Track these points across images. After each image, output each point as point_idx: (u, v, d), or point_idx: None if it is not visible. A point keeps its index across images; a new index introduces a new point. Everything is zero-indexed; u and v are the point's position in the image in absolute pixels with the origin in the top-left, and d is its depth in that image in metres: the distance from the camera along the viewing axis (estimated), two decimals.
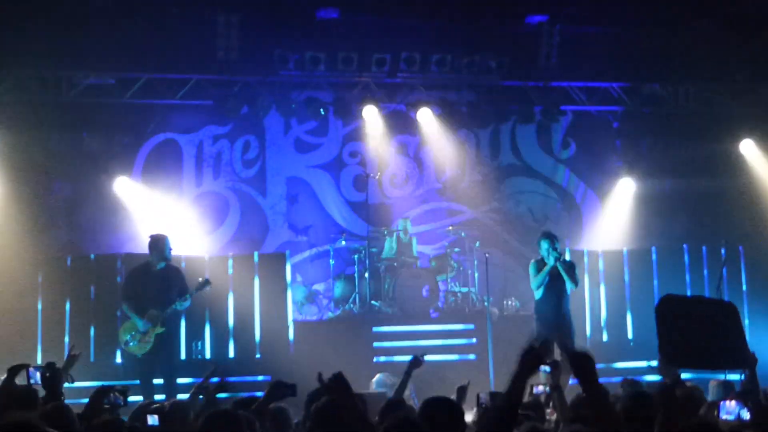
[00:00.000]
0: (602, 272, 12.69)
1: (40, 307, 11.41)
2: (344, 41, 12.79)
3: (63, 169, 13.05)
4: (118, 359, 11.08)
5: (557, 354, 9.89)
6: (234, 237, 13.66)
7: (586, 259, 12.53)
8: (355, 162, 14.09)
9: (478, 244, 12.58)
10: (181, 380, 9.99)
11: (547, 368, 6.25)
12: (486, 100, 13.61)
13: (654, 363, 6.13)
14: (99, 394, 5.69)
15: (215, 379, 6.47)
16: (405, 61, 13.03)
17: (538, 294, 10.25)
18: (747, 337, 5.87)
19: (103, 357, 11.28)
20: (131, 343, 9.72)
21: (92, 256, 12.06)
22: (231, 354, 11.68)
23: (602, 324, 12.57)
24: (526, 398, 6.50)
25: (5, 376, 6.15)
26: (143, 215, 12.84)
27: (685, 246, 12.96)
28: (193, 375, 10.17)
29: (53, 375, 5.99)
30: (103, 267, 11.74)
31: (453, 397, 6.30)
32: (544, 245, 10.17)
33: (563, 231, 13.20)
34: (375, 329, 11.76)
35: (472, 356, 11.58)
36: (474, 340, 11.76)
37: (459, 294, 12.60)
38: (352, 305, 12.31)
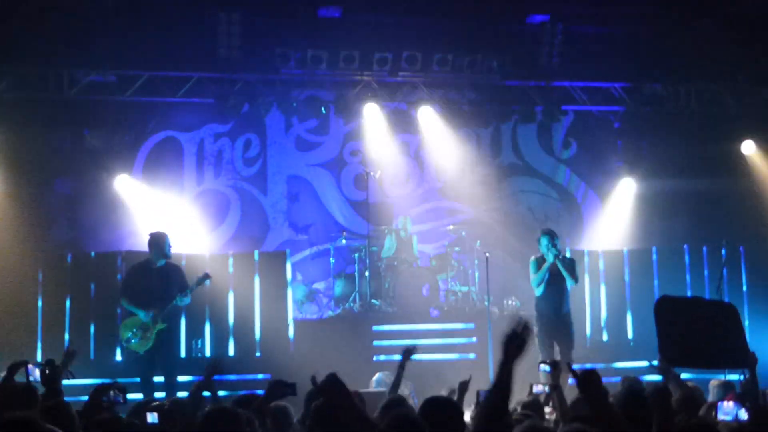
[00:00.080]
0: (602, 272, 12.68)
1: (40, 304, 11.39)
2: (346, 40, 12.79)
3: (64, 167, 13.05)
4: (118, 357, 11.09)
5: (557, 353, 9.94)
6: (234, 235, 13.67)
7: (586, 259, 12.51)
8: (355, 161, 14.09)
9: (478, 243, 12.58)
10: (181, 378, 9.99)
11: (547, 368, 6.26)
12: (487, 100, 13.61)
13: (654, 362, 6.11)
14: (98, 391, 5.69)
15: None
16: (406, 60, 13.03)
17: (538, 291, 10.25)
18: (747, 338, 5.87)
19: (103, 354, 11.28)
20: (133, 341, 9.71)
21: (93, 253, 12.05)
22: (231, 352, 11.67)
23: (602, 324, 12.55)
24: (525, 398, 6.52)
25: (5, 373, 6.17)
26: (144, 213, 12.84)
27: (685, 246, 12.95)
28: (193, 373, 10.17)
29: (53, 372, 5.99)
30: (104, 264, 11.72)
31: (454, 393, 6.32)
32: (544, 241, 10.17)
33: (564, 231, 13.19)
34: (375, 328, 11.76)
35: (472, 355, 11.57)
36: (474, 339, 11.75)
37: (459, 293, 12.60)
38: (352, 304, 12.31)
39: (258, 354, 11.60)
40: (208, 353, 11.56)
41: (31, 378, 6.09)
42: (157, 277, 9.89)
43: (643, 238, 13.76)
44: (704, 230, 13.53)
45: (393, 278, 12.32)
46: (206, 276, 10.14)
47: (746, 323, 11.22)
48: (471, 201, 14.15)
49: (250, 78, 12.94)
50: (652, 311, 5.85)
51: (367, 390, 8.44)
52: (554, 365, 6.17)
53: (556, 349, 10.06)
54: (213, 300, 11.57)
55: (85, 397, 5.68)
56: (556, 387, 5.91)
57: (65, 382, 6.33)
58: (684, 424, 4.65)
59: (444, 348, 11.52)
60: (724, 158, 13.70)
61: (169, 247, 10.06)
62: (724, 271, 11.24)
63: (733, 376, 7.92)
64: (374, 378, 9.85)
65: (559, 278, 10.15)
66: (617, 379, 7.83)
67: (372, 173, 12.96)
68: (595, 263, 12.64)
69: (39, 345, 11.17)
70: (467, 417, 4.66)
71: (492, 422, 3.73)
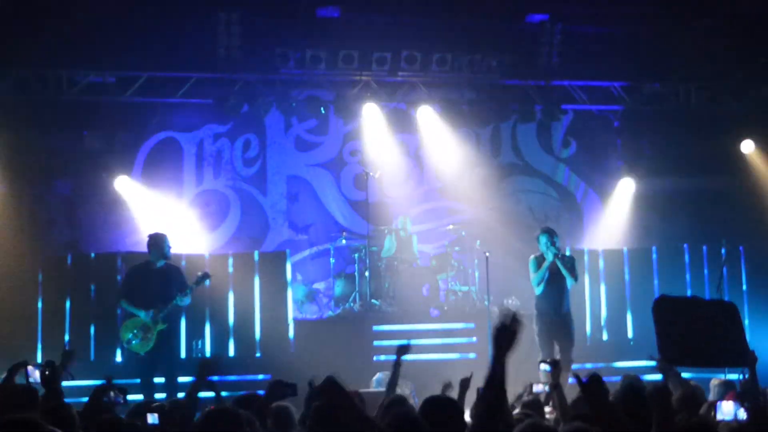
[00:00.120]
0: (602, 271, 12.68)
1: (40, 305, 11.40)
2: (345, 39, 12.78)
3: (63, 168, 13.05)
4: (119, 358, 11.09)
5: (556, 352, 9.93)
6: (234, 235, 13.67)
7: (586, 258, 12.51)
8: (355, 161, 14.09)
9: (478, 243, 12.56)
10: (181, 379, 9.97)
11: (548, 367, 6.25)
12: (487, 99, 13.60)
13: (654, 361, 6.10)
14: (99, 392, 5.69)
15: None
16: (406, 60, 13.02)
17: (538, 290, 10.24)
18: (747, 337, 5.87)
19: (103, 355, 11.27)
20: (134, 342, 9.70)
21: (93, 254, 12.06)
22: (231, 352, 11.67)
23: (602, 323, 12.56)
24: (525, 397, 6.52)
25: (5, 374, 6.16)
26: (143, 214, 12.84)
27: (685, 245, 12.95)
28: (193, 374, 10.13)
29: (52, 373, 5.99)
30: (104, 265, 11.72)
31: (448, 388, 6.32)
32: (543, 240, 10.16)
33: (564, 230, 13.17)
34: (375, 328, 11.75)
35: (472, 355, 11.56)
36: (474, 339, 11.75)
37: (459, 293, 12.60)
38: (352, 304, 12.31)
39: (258, 354, 11.60)
40: (208, 354, 11.56)
41: (30, 379, 6.09)
42: (157, 278, 9.89)
43: (643, 237, 13.77)
44: (704, 229, 13.53)
45: (393, 278, 12.31)
46: (206, 275, 10.14)
47: (746, 322, 11.23)
48: (471, 200, 14.14)
49: (249, 78, 12.93)
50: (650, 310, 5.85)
51: (367, 390, 8.44)
52: (554, 364, 6.15)
53: (556, 348, 10.06)
54: (213, 300, 11.58)
55: (86, 399, 5.68)
56: (556, 386, 5.89)
57: (65, 383, 6.32)
58: (684, 423, 4.65)
59: (444, 348, 11.51)
60: (724, 157, 13.70)
61: (169, 248, 10.06)
62: (724, 270, 11.25)
63: (734, 375, 7.92)
64: (374, 378, 9.84)
65: (559, 277, 10.14)
66: (617, 378, 7.82)
67: (372, 173, 12.94)
68: (595, 262, 12.65)
69: (39, 346, 11.17)
70: (468, 415, 4.65)
71: (490, 419, 3.72)
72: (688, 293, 12.24)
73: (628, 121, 14.17)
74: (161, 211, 12.83)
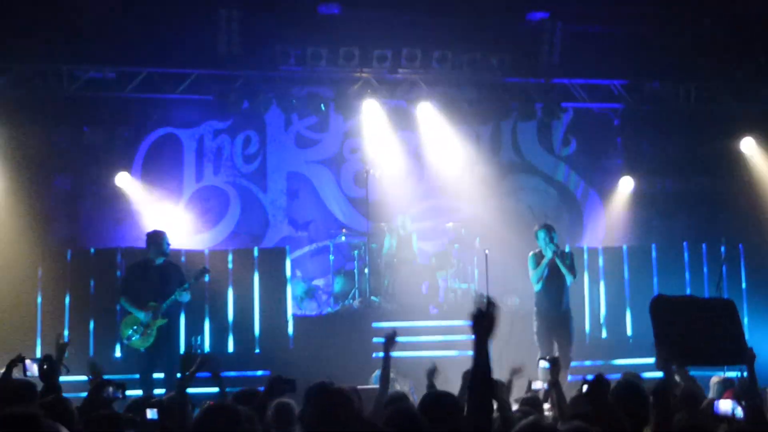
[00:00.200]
0: (602, 269, 12.68)
1: (39, 301, 11.39)
2: (345, 37, 12.77)
3: (63, 163, 13.06)
4: (118, 353, 11.08)
5: (555, 350, 9.94)
6: (234, 232, 13.67)
7: (585, 256, 12.51)
8: (355, 158, 14.09)
9: (478, 240, 12.56)
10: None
11: (547, 364, 6.25)
12: (487, 97, 13.58)
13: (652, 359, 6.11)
14: (97, 388, 5.69)
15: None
16: (406, 57, 13.01)
17: (537, 287, 10.24)
18: (746, 335, 5.88)
19: (102, 351, 11.26)
20: (134, 337, 9.71)
21: (92, 250, 12.05)
22: (230, 349, 11.67)
23: (601, 321, 12.55)
24: (524, 394, 6.52)
25: (4, 369, 6.17)
26: (143, 209, 12.84)
27: (684, 243, 12.94)
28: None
29: (50, 367, 5.99)
30: (103, 261, 11.71)
31: (433, 373, 6.33)
32: (541, 235, 10.15)
33: (563, 228, 13.17)
34: (374, 325, 11.74)
35: (471, 353, 11.54)
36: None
37: (458, 290, 12.60)
38: (351, 301, 12.32)
39: (257, 350, 11.59)
40: (207, 350, 11.56)
41: (28, 373, 6.10)
42: (156, 276, 9.91)
43: (642, 236, 13.77)
44: (704, 228, 13.55)
45: (392, 275, 12.32)
46: (204, 270, 10.14)
47: (745, 321, 11.25)
48: (471, 198, 14.12)
49: (249, 75, 12.92)
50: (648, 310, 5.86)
51: (366, 386, 8.44)
52: (554, 362, 6.16)
53: (555, 345, 10.06)
54: (212, 297, 11.58)
55: (84, 394, 5.69)
56: (555, 384, 5.90)
57: (62, 378, 6.32)
58: (684, 423, 4.65)
59: (443, 345, 11.50)
60: (724, 156, 13.71)
61: (168, 245, 10.07)
62: (724, 268, 11.26)
63: (733, 373, 7.92)
64: (374, 374, 9.83)
65: (558, 274, 10.13)
66: (617, 376, 7.82)
67: (371, 170, 12.94)
68: (594, 260, 12.64)
69: (38, 341, 11.16)
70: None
71: (481, 409, 3.69)
72: (688, 291, 12.24)
73: (628, 119, 14.17)
74: (161, 207, 12.84)
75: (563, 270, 10.11)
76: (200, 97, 13.03)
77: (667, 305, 5.99)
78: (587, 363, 10.37)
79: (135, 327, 9.70)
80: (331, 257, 12.97)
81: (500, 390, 5.23)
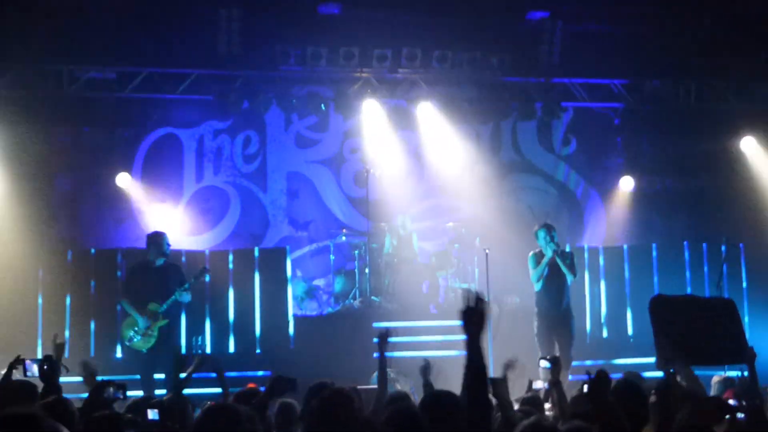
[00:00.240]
0: (602, 268, 12.68)
1: (40, 301, 11.39)
2: (345, 36, 12.78)
3: (64, 164, 13.05)
4: (119, 354, 11.08)
5: (556, 349, 9.93)
6: (234, 232, 13.68)
7: (586, 255, 12.51)
8: (355, 157, 14.09)
9: (478, 240, 12.56)
10: (183, 375, 9.96)
11: (548, 364, 6.25)
12: (487, 96, 13.58)
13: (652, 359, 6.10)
14: (98, 388, 5.69)
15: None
16: (406, 57, 13.01)
17: (537, 286, 10.23)
18: (747, 334, 5.88)
19: (103, 352, 11.27)
20: (135, 339, 9.72)
21: (93, 250, 12.05)
22: (231, 349, 11.68)
23: (602, 320, 12.56)
24: (525, 394, 6.51)
25: (4, 370, 6.17)
26: (144, 210, 12.84)
27: (685, 243, 12.95)
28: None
29: (51, 368, 5.99)
30: (104, 262, 11.72)
31: (427, 369, 6.33)
32: (541, 234, 10.14)
33: (564, 227, 13.19)
34: (375, 325, 11.71)
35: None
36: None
37: (459, 290, 12.59)
38: (352, 300, 12.32)
39: (258, 351, 11.61)
40: (208, 350, 11.56)
41: (28, 374, 6.10)
42: (157, 277, 9.92)
43: (643, 235, 13.77)
44: (704, 227, 13.54)
45: (393, 275, 12.32)
46: (205, 270, 10.15)
47: (746, 320, 11.24)
48: (471, 198, 14.11)
49: (249, 75, 12.93)
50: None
51: (366, 386, 8.44)
52: (554, 361, 6.16)
53: (556, 345, 10.05)
54: (213, 297, 11.59)
55: (85, 395, 5.69)
56: (556, 383, 5.90)
57: (63, 378, 6.32)
58: (684, 423, 4.64)
59: (443, 345, 11.49)
60: (724, 155, 13.71)
61: (168, 246, 10.07)
62: (724, 267, 11.25)
63: (734, 372, 7.92)
64: (374, 374, 9.82)
65: (558, 273, 10.12)
66: (618, 375, 7.82)
67: (372, 170, 12.94)
68: (595, 259, 12.65)
69: (39, 342, 11.16)
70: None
71: (478, 405, 3.69)
72: (688, 291, 12.24)
73: (628, 118, 14.16)
74: (161, 207, 12.84)
75: (563, 269, 10.10)
76: (200, 97, 13.03)
77: (666, 305, 5.99)
78: (588, 362, 10.34)
79: (135, 328, 9.72)
80: (332, 257, 12.98)
81: (501, 388, 5.23)
